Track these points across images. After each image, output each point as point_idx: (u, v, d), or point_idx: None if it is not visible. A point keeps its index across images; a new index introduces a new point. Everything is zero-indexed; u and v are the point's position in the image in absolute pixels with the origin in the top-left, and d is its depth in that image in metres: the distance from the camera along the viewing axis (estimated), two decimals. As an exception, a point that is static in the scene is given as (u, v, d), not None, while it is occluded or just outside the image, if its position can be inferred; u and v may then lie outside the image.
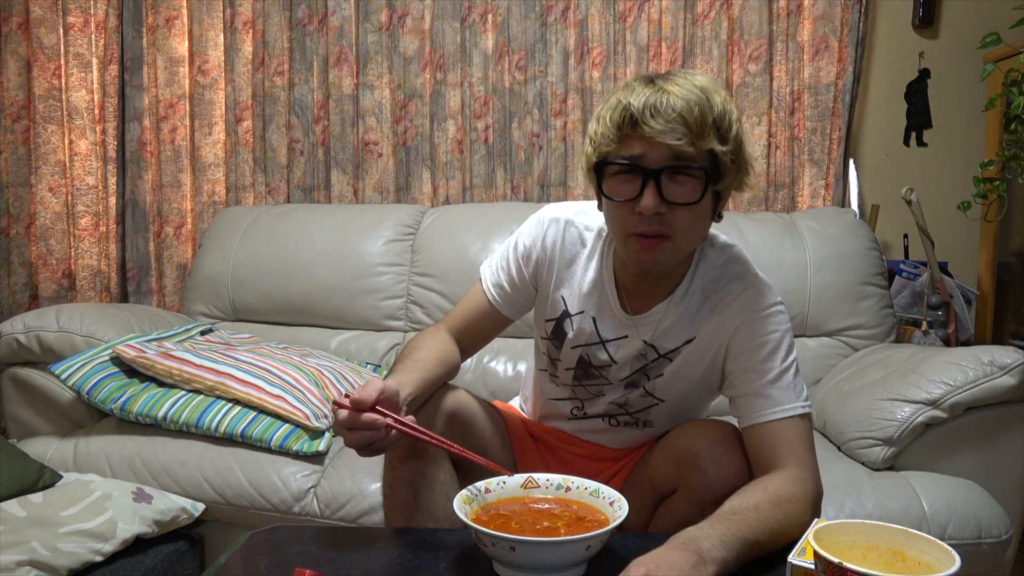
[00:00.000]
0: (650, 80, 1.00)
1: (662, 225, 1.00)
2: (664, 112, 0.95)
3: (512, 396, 1.50)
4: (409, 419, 0.96)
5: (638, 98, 0.96)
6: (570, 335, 1.19)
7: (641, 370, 1.16)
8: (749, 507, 0.90)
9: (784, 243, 1.99)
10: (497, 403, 1.46)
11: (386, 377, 1.05)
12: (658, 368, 1.16)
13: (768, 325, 1.07)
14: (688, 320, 1.12)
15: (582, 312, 1.17)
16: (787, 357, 1.06)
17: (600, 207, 1.09)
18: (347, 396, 0.93)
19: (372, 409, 0.92)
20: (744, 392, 1.06)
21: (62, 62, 2.48)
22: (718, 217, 1.08)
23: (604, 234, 1.17)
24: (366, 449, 0.93)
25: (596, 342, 1.17)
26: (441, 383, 1.14)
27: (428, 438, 0.97)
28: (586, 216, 1.19)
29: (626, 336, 1.15)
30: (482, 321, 1.24)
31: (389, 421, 0.92)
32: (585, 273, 1.17)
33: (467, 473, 1.11)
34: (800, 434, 1.03)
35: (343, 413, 0.91)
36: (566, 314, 1.18)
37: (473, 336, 1.25)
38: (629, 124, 0.97)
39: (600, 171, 1.03)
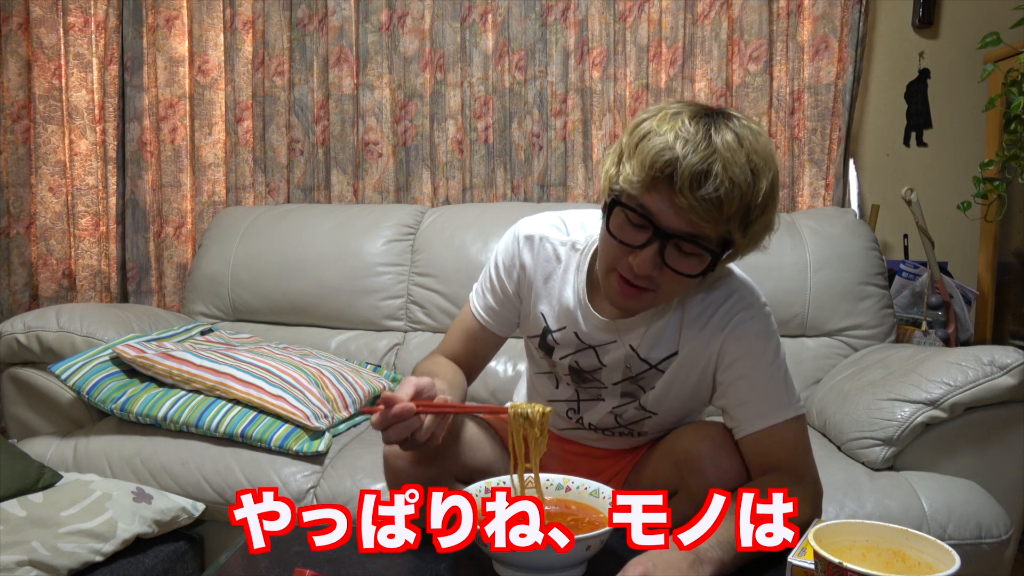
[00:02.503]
0: (707, 125, 0.90)
1: (651, 283, 0.97)
2: (706, 190, 0.87)
3: (511, 396, 1.50)
4: (441, 399, 0.95)
5: (689, 155, 0.87)
6: (556, 348, 1.18)
7: (633, 379, 1.15)
8: None
9: (784, 243, 1.99)
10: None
11: None
12: (650, 380, 1.15)
13: (755, 331, 1.06)
14: (672, 331, 1.10)
15: (563, 328, 1.16)
16: (775, 360, 1.06)
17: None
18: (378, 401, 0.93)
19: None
20: (736, 401, 1.06)
21: (62, 62, 2.48)
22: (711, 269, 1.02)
23: (580, 248, 1.15)
24: (408, 444, 0.92)
25: (584, 348, 1.16)
26: (461, 399, 1.13)
27: (457, 409, 0.97)
28: (559, 231, 1.16)
29: (614, 341, 1.13)
30: (479, 344, 1.23)
31: (420, 409, 0.91)
32: (563, 289, 1.15)
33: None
34: (796, 438, 1.03)
35: (377, 416, 0.90)
36: (547, 331, 1.18)
37: (472, 360, 1.24)
38: (666, 179, 0.89)
39: (614, 203, 0.98)
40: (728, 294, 1.08)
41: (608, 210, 0.97)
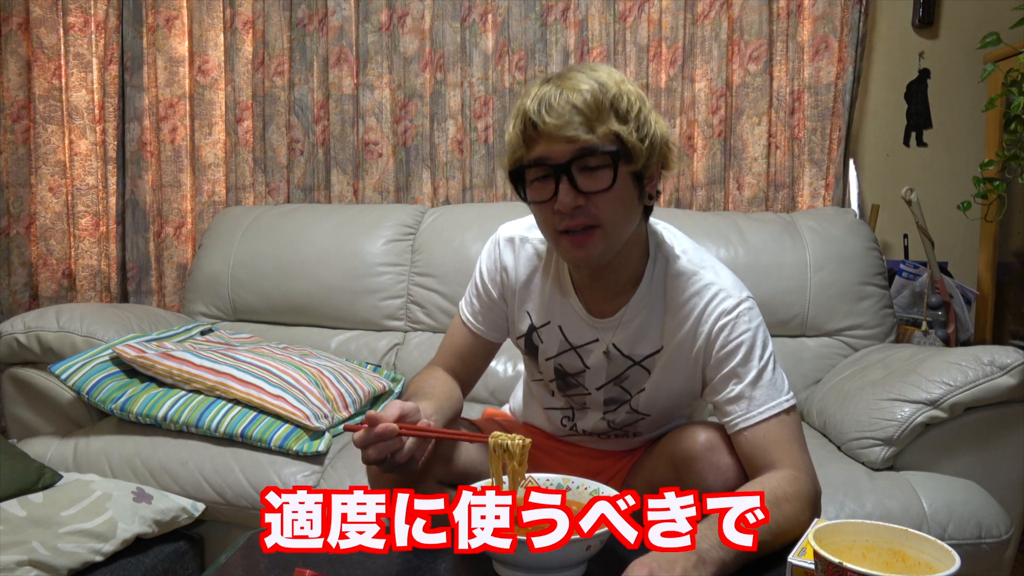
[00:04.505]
0: (548, 79, 1.00)
1: (585, 216, 0.99)
2: (557, 106, 0.95)
3: (510, 396, 1.50)
4: (424, 424, 0.97)
5: (533, 100, 0.97)
6: (541, 347, 1.19)
7: (616, 380, 1.16)
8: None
9: (784, 243, 1.99)
10: (489, 410, 1.46)
11: None
12: (636, 383, 1.15)
13: (739, 327, 1.06)
14: (654, 326, 1.11)
15: (548, 323, 1.17)
16: (763, 354, 1.06)
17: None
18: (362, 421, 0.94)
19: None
20: (727, 397, 1.06)
21: (62, 62, 2.48)
22: (649, 198, 1.05)
23: None
24: (386, 464, 0.93)
25: (567, 349, 1.17)
26: (454, 416, 1.15)
27: (438, 434, 0.98)
28: (538, 230, 1.17)
29: (596, 340, 1.14)
30: (471, 352, 1.24)
31: (403, 431, 0.93)
32: (544, 285, 1.17)
33: None
34: (788, 432, 1.03)
35: (359, 434, 0.92)
36: (532, 328, 1.19)
37: (467, 370, 1.25)
38: (530, 127, 0.98)
39: (518, 178, 1.03)
40: (709, 293, 1.08)
41: (516, 186, 1.03)
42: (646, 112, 1.00)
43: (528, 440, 0.94)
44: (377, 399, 1.90)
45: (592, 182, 0.98)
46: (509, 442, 0.93)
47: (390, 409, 0.94)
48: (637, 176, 1.01)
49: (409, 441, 0.94)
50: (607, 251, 1.03)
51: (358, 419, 1.79)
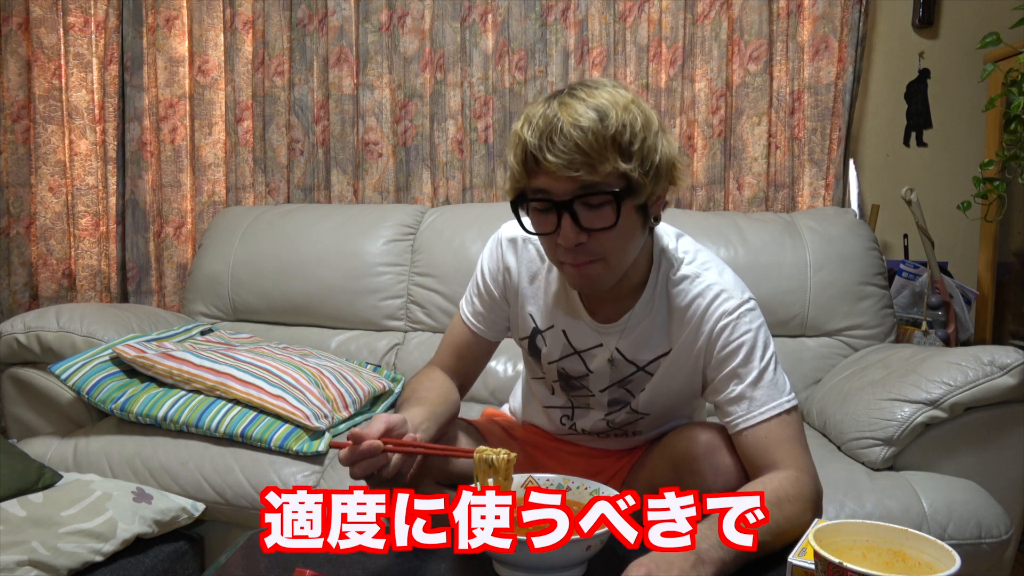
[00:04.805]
0: (549, 99, 0.97)
1: (588, 253, 0.99)
2: (558, 143, 0.92)
3: (510, 396, 1.50)
4: (410, 438, 0.96)
5: (533, 132, 0.94)
6: (544, 351, 1.19)
7: (621, 383, 1.16)
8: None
9: (784, 243, 1.99)
10: (489, 410, 1.46)
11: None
12: (639, 384, 1.15)
13: (740, 328, 1.06)
14: (660, 331, 1.11)
15: (552, 327, 1.17)
16: (764, 355, 1.06)
17: None
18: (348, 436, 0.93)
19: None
20: (727, 398, 1.06)
21: (62, 62, 2.48)
22: (655, 220, 1.05)
23: None
24: (374, 480, 0.93)
25: (571, 353, 1.16)
26: (449, 419, 1.14)
27: (424, 449, 0.97)
28: None
29: (600, 345, 1.14)
30: (471, 352, 1.24)
31: (389, 447, 0.92)
32: (548, 287, 1.17)
33: None
34: (790, 433, 1.03)
35: (344, 452, 0.91)
36: (536, 331, 1.18)
37: (466, 368, 1.25)
38: (532, 160, 0.95)
39: (520, 203, 1.01)
40: (711, 294, 1.08)
41: (517, 215, 1.02)
42: (651, 140, 0.96)
43: (513, 455, 0.94)
44: (377, 399, 1.90)
45: (595, 219, 0.96)
46: (494, 457, 0.93)
47: (375, 424, 0.93)
48: (642, 207, 1.00)
49: (396, 456, 0.94)
50: (610, 279, 1.03)
51: (359, 419, 1.79)
